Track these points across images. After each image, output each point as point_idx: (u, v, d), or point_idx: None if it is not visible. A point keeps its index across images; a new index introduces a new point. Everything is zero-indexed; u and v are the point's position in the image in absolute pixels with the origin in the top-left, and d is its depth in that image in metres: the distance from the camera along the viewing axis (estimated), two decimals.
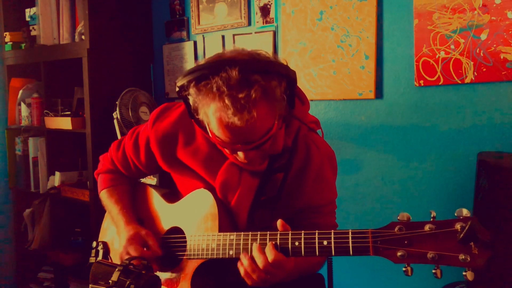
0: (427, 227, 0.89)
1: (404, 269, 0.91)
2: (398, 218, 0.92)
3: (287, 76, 1.06)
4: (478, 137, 1.74)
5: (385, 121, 1.95)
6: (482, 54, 1.68)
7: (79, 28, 2.57)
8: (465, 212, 0.87)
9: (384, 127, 1.96)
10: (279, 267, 1.04)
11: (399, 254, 0.90)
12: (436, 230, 0.88)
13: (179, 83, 1.08)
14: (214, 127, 1.06)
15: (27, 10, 2.88)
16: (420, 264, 0.90)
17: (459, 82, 1.74)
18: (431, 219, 0.90)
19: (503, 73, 1.64)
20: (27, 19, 2.88)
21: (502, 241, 1.38)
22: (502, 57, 1.64)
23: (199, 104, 1.06)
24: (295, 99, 1.25)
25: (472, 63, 1.70)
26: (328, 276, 1.43)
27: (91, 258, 1.45)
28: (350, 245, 0.95)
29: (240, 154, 1.11)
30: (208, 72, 1.02)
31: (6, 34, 2.93)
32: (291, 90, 1.09)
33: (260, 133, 1.06)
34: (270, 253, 1.03)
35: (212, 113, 1.04)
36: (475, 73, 1.70)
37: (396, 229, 0.91)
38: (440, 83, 1.78)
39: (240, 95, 0.99)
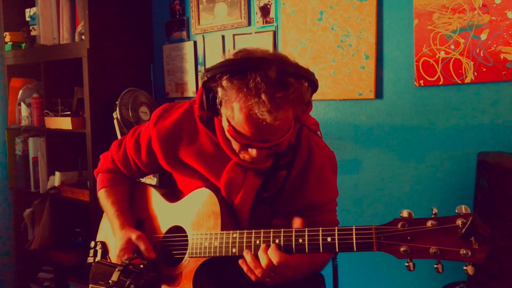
0: (429, 223, 0.92)
1: (406, 264, 0.93)
2: (401, 215, 0.95)
3: (313, 82, 1.11)
4: (478, 137, 1.74)
5: (385, 121, 1.95)
6: (482, 54, 1.68)
7: (79, 28, 2.56)
8: (464, 208, 0.90)
9: (384, 127, 1.96)
10: (285, 267, 1.05)
11: (402, 249, 0.92)
12: (437, 226, 0.91)
13: (210, 74, 1.08)
14: (238, 122, 1.07)
15: (27, 10, 2.88)
16: (422, 264, 0.91)
17: (459, 82, 1.74)
18: (433, 216, 0.93)
19: (503, 73, 1.64)
20: (27, 19, 2.89)
21: (502, 241, 1.38)
22: (502, 57, 1.64)
23: (228, 97, 1.06)
24: None
25: (472, 63, 1.70)
26: (334, 278, 1.43)
27: (89, 258, 1.45)
28: (354, 241, 0.98)
29: (253, 151, 1.12)
30: (245, 68, 1.04)
31: (6, 34, 2.93)
32: (311, 97, 1.14)
33: (280, 134, 1.09)
34: (274, 256, 1.04)
35: (241, 108, 1.04)
36: (475, 73, 1.70)
37: (399, 225, 0.94)
38: (440, 83, 1.78)
39: (278, 95, 1.02)
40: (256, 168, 1.22)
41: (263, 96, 1.01)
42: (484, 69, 1.68)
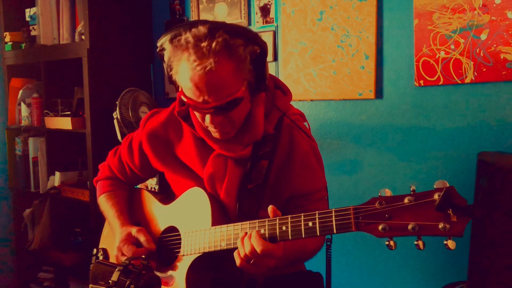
0: (406, 200, 0.91)
1: (386, 243, 0.92)
2: (379, 194, 0.95)
3: (255, 42, 1.12)
4: (478, 137, 1.74)
5: (385, 121, 1.95)
6: (482, 54, 1.68)
7: (79, 28, 2.56)
8: (442, 183, 0.88)
9: (384, 127, 1.96)
10: (268, 257, 1.05)
11: (380, 227, 0.92)
12: (415, 202, 0.90)
13: (159, 42, 1.15)
14: (183, 83, 1.12)
15: (27, 10, 2.88)
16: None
17: (459, 82, 1.74)
18: (411, 192, 0.92)
19: (503, 73, 1.64)
20: (27, 19, 2.88)
21: (502, 242, 1.38)
22: (502, 57, 1.64)
23: (173, 60, 1.13)
24: (278, 91, 1.30)
25: (472, 63, 1.70)
26: (327, 275, 1.43)
27: (91, 265, 1.46)
28: (334, 223, 0.98)
29: (207, 118, 1.15)
30: (182, 29, 1.10)
31: (6, 34, 2.93)
32: (261, 59, 1.14)
33: (223, 92, 1.09)
34: (257, 243, 1.04)
35: (181, 67, 1.10)
36: (475, 73, 1.70)
37: (376, 203, 0.94)
38: (440, 83, 1.78)
39: (203, 44, 1.06)
40: (235, 157, 1.23)
41: (190, 49, 1.07)
42: (484, 69, 1.68)
